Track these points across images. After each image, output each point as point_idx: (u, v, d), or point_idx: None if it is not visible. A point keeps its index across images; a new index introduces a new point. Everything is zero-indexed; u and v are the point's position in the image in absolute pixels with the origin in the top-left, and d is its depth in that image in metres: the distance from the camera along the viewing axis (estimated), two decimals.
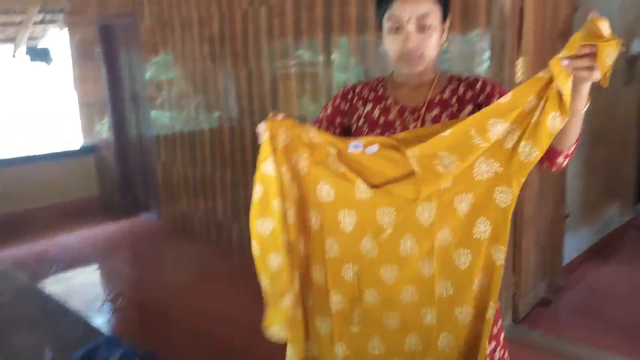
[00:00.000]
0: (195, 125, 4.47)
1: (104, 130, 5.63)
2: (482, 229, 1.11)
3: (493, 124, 1.04)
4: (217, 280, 3.81)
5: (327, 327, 1.32)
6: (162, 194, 5.02)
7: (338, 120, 1.45)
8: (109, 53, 5.36)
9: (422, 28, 1.24)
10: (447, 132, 1.07)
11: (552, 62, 1.01)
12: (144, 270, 4.14)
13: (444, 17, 1.29)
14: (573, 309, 3.08)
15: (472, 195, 1.10)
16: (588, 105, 1.12)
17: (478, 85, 1.31)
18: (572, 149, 1.20)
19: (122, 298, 3.53)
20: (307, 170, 1.27)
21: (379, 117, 1.37)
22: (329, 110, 1.47)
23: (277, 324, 1.26)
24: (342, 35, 3.22)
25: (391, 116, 1.36)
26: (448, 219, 1.12)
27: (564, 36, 2.76)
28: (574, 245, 3.50)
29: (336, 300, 1.30)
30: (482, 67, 2.59)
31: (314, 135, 1.27)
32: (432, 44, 1.27)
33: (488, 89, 1.30)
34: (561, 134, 1.09)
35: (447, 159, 1.08)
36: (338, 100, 1.46)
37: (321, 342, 1.34)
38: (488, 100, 1.27)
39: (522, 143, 1.04)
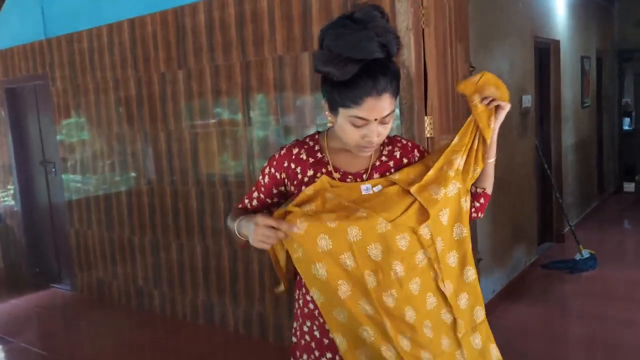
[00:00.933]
0: (111, 187, 4.34)
1: (8, 197, 5.29)
2: (459, 231, 1.44)
3: (455, 158, 1.41)
4: (139, 351, 3.62)
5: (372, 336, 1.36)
6: (75, 262, 4.75)
7: (275, 191, 1.46)
8: (16, 116, 5.13)
9: (383, 122, 1.28)
10: (431, 172, 1.40)
11: (475, 108, 1.40)
12: (57, 347, 3.84)
13: (394, 107, 1.34)
14: None
15: (449, 210, 1.41)
16: (495, 157, 1.47)
17: (415, 153, 1.47)
18: (489, 193, 1.51)
19: None
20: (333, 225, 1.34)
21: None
22: (265, 180, 1.46)
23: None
24: (260, 94, 3.32)
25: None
26: (439, 230, 1.40)
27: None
28: (489, 287, 3.71)
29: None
30: (394, 124, 2.78)
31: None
32: (385, 134, 1.33)
33: (417, 155, 1.48)
34: (482, 176, 1.46)
35: (435, 189, 1.38)
36: (273, 170, 1.45)
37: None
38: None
39: (472, 167, 1.44)
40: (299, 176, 1.41)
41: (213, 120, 3.59)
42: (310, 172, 1.40)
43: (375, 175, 1.40)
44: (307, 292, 1.41)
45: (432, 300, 1.39)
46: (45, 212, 5.14)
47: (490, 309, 3.61)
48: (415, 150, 1.47)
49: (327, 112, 1.34)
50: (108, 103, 4.22)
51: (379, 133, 1.29)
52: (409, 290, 1.35)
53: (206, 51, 3.51)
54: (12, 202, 5.26)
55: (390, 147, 1.45)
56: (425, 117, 2.70)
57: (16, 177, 5.18)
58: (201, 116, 3.65)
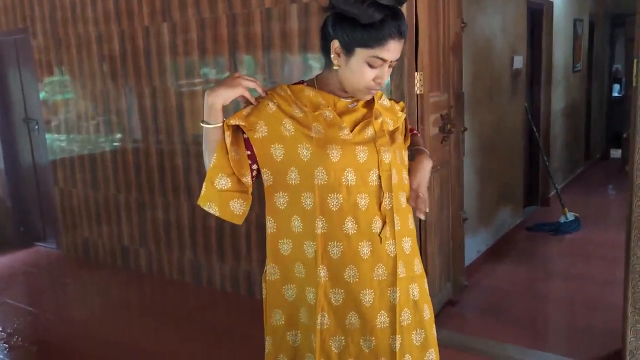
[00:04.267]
0: (96, 146, 4.26)
1: None
2: (411, 221, 1.44)
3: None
4: (124, 309, 3.63)
5: (312, 250, 1.34)
6: (60, 221, 4.71)
7: None
8: None
9: (392, 65, 1.32)
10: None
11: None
12: (43, 303, 3.84)
13: None
14: (476, 307, 3.28)
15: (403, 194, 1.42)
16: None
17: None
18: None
19: (18, 336, 3.25)
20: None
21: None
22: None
23: (210, 202, 1.33)
24: (248, 53, 3.25)
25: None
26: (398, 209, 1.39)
27: (455, 51, 2.98)
28: (474, 247, 3.75)
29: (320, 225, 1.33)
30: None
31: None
32: (387, 78, 1.39)
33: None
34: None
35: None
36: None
37: (307, 265, 1.36)
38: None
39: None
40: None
41: (199, 79, 3.51)
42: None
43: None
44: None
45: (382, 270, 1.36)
46: (29, 170, 5.06)
47: (474, 268, 3.68)
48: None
49: (335, 55, 1.32)
50: (91, 59, 4.10)
51: (385, 77, 1.33)
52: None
53: (192, 3, 3.40)
54: None
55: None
56: (416, 74, 2.66)
57: None
58: (186, 72, 3.56)
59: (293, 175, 1.33)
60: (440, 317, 3.07)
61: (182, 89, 3.62)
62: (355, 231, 1.32)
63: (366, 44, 1.26)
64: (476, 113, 3.66)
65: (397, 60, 1.32)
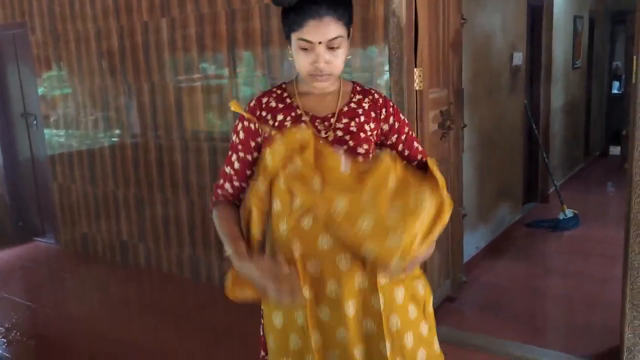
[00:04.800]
0: (95, 142, 4.26)
1: None
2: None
3: None
4: (123, 304, 3.63)
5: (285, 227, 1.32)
6: (59, 216, 4.70)
7: (253, 143, 1.43)
8: None
9: (331, 49, 1.32)
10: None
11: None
12: (42, 298, 3.84)
13: (348, 35, 1.38)
14: (475, 304, 3.28)
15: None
16: None
17: (384, 111, 1.46)
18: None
19: (16, 330, 3.25)
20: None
21: (291, 126, 1.40)
22: (241, 135, 1.44)
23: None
24: (247, 49, 3.24)
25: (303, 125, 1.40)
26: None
27: (455, 47, 2.98)
28: (472, 243, 3.75)
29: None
30: (383, 77, 2.73)
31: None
32: (339, 63, 1.36)
33: (384, 113, 1.47)
34: None
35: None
36: (246, 123, 1.43)
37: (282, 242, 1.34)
38: (387, 120, 1.47)
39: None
40: (270, 122, 1.41)
41: (198, 75, 3.50)
42: (280, 117, 1.41)
43: (344, 120, 1.41)
44: None
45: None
46: (28, 165, 5.05)
47: (473, 265, 3.68)
48: (384, 109, 1.47)
49: (289, 47, 1.38)
50: (90, 54, 4.09)
51: (327, 60, 1.33)
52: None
53: None
54: None
55: (360, 97, 1.46)
56: (415, 69, 2.65)
57: None
58: (185, 68, 3.55)
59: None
60: (439, 313, 3.07)
61: (180, 85, 3.61)
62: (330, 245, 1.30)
63: (291, 28, 1.33)
64: (475, 109, 3.65)
65: (334, 41, 1.31)
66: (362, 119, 1.43)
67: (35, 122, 4.79)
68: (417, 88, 2.68)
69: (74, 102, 4.32)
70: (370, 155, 1.43)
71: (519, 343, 2.75)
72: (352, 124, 1.41)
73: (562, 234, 4.50)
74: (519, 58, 4.43)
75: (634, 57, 2.23)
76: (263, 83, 3.21)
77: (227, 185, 1.47)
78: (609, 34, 7.64)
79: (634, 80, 2.23)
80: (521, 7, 4.46)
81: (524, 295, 3.41)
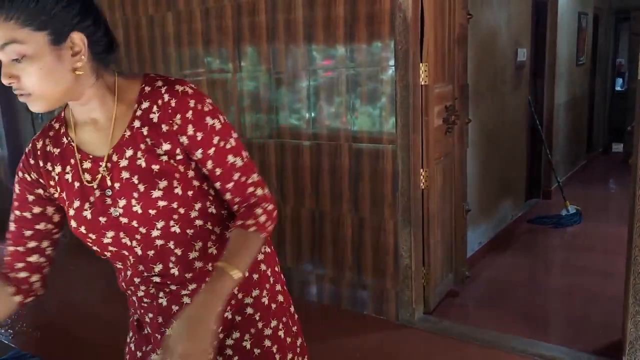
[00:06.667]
0: None
1: None
2: None
3: None
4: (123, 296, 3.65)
5: None
6: None
7: (31, 197, 1.12)
8: None
9: (15, 60, 0.93)
10: None
11: None
12: (47, 289, 3.85)
13: (59, 39, 0.95)
14: (478, 298, 3.30)
15: None
16: None
17: (177, 119, 1.04)
18: None
19: (23, 321, 3.28)
20: None
21: (72, 181, 1.08)
22: (17, 189, 1.13)
23: None
24: (252, 44, 3.25)
25: (86, 176, 1.07)
26: None
27: (460, 42, 2.98)
28: (475, 239, 3.77)
29: None
30: (389, 72, 2.74)
31: None
32: (34, 81, 0.94)
33: (179, 122, 1.04)
34: None
35: None
36: (21, 174, 1.13)
37: None
38: (183, 130, 1.05)
39: None
40: (52, 174, 1.10)
41: (203, 69, 3.51)
42: (58, 168, 1.08)
43: (128, 152, 1.03)
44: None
45: None
46: None
47: (476, 260, 3.70)
48: (178, 115, 1.04)
49: None
50: None
51: (12, 75, 0.94)
52: None
53: None
54: None
55: (148, 105, 1.05)
56: (421, 64, 2.66)
57: (1, 121, 5.08)
58: (190, 62, 3.56)
59: None
60: (441, 307, 3.10)
61: (185, 79, 3.61)
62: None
63: None
64: (480, 105, 3.66)
65: (5, 49, 0.92)
66: (149, 141, 1.03)
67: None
68: (422, 83, 2.69)
69: None
70: (179, 191, 1.03)
71: (521, 337, 2.77)
72: (139, 154, 1.03)
73: (564, 230, 4.51)
74: (523, 54, 4.43)
75: (639, 53, 2.24)
76: (267, 78, 3.22)
77: (8, 249, 1.21)
78: (613, 31, 7.63)
79: (639, 77, 2.24)
80: (526, 3, 4.46)
81: (527, 290, 3.43)
